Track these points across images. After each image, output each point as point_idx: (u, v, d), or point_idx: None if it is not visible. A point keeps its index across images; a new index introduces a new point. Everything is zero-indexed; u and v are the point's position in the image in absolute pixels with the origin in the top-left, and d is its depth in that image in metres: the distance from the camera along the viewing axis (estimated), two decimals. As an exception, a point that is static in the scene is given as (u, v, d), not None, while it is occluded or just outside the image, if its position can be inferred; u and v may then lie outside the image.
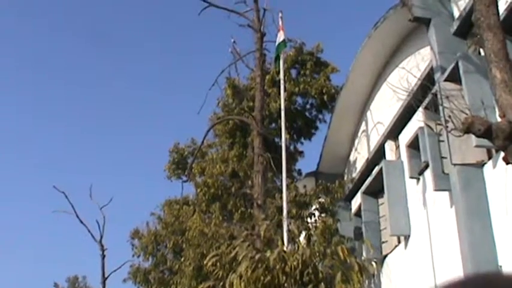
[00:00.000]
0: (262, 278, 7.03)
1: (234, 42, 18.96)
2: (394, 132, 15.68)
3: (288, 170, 15.41)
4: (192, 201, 21.68)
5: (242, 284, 7.02)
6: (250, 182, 17.51)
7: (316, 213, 17.07)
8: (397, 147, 15.69)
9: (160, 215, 24.58)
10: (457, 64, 11.47)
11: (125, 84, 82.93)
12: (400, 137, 15.26)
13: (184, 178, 21.86)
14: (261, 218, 8.40)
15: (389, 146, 16.13)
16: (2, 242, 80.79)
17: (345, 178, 18.66)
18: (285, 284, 7.31)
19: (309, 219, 16.86)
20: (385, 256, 15.39)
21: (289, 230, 12.61)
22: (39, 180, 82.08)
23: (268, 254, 7.21)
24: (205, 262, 8.27)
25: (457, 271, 10.62)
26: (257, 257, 7.12)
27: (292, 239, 13.30)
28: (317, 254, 7.60)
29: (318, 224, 16.46)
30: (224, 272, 7.72)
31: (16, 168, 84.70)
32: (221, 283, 7.68)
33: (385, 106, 16.01)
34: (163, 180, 23.88)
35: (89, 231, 31.10)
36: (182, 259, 20.01)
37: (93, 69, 70.53)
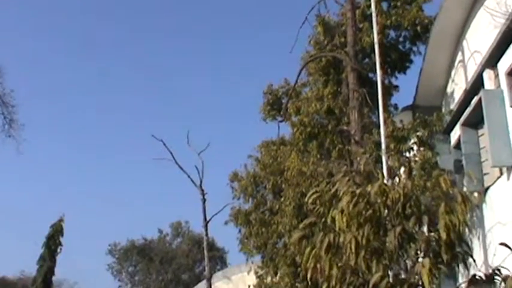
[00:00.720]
0: (363, 212, 7.12)
1: (322, -23, 18.69)
2: (492, 61, 15.12)
3: (384, 105, 15.26)
4: (289, 141, 21.86)
5: (344, 219, 7.13)
6: (346, 119, 17.47)
7: (415, 147, 16.87)
8: (496, 75, 15.16)
9: (257, 157, 24.92)
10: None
11: (219, 27, 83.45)
12: (499, 64, 14.71)
13: (280, 119, 22.05)
14: (359, 153, 8.45)
15: (487, 74, 15.60)
16: (112, 193, 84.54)
17: (443, 110, 18.25)
18: (387, 218, 7.37)
19: (407, 154, 16.71)
20: (487, 188, 15.10)
21: (388, 165, 12.60)
22: (138, 130, 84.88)
23: (368, 188, 7.27)
24: (306, 200, 8.43)
25: None
26: (358, 191, 7.19)
27: (392, 174, 13.29)
28: (418, 188, 7.57)
29: (417, 158, 16.29)
30: (325, 209, 7.84)
31: (116, 120, 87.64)
32: (322, 219, 7.82)
33: (482, 33, 15.44)
34: (258, 123, 24.12)
35: (189, 176, 32.18)
36: (282, 199, 20.35)
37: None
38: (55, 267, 33.59)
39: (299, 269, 15.83)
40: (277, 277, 21.20)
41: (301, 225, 8.01)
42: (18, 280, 49.10)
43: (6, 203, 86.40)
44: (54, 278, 34.31)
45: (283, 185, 20.10)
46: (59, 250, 33.54)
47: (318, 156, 18.31)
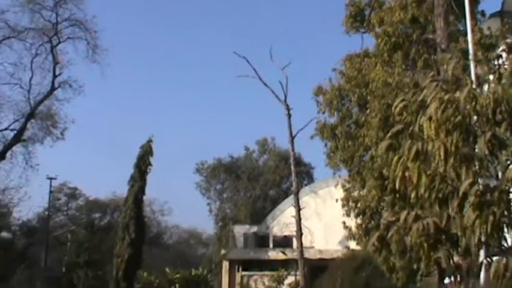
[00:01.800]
0: (452, 118, 6.99)
1: None
2: None
3: (471, 11, 14.69)
4: (373, 53, 21.47)
5: (432, 126, 7.04)
6: (431, 27, 16.97)
7: (504, 54, 16.26)
8: None
9: (342, 70, 24.63)
10: None
11: None
12: None
13: (363, 30, 21.63)
14: (446, 59, 8.21)
15: None
16: (197, 113, 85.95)
17: (534, 14, 17.41)
18: (476, 124, 7.23)
19: (496, 62, 16.15)
20: None
21: (476, 73, 12.21)
22: (220, 47, 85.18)
23: (457, 94, 7.11)
24: (392, 110, 8.35)
25: None
26: (446, 97, 7.05)
27: (480, 82, 12.89)
28: (508, 95, 7.35)
29: (506, 66, 15.71)
30: (412, 117, 7.75)
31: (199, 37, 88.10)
32: (410, 128, 7.74)
33: None
34: (341, 36, 23.71)
35: (273, 92, 32.22)
36: (367, 111, 20.21)
37: None
38: (145, 187, 34.84)
39: (386, 181, 15.82)
40: (365, 190, 21.30)
41: (388, 134, 7.96)
42: (111, 201, 51.14)
43: (96, 127, 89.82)
44: (144, 198, 35.65)
45: (369, 97, 19.92)
46: (148, 170, 34.62)
47: (403, 66, 17.97)
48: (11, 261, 36.03)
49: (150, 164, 34.76)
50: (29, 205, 66.86)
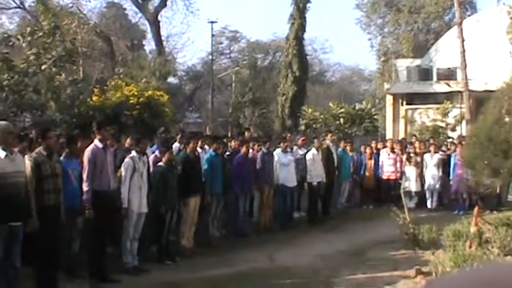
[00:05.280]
0: None
1: None
2: None
3: None
4: None
5: None
6: None
7: None
8: None
9: None
10: None
11: None
12: None
13: None
14: None
15: None
16: None
17: None
18: None
19: None
20: None
21: None
22: None
23: None
24: None
25: None
26: None
27: None
28: None
29: None
30: None
31: None
32: None
33: None
34: None
35: None
36: None
37: None
38: (305, 25, 34.88)
39: None
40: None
41: None
42: (272, 42, 51.88)
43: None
44: (305, 36, 35.79)
45: None
46: (307, 7, 34.48)
47: None
48: (180, 105, 38.32)
49: (308, 1, 34.58)
50: (193, 50, 69.60)
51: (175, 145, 12.38)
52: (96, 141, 9.11)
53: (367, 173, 17.84)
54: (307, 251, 11.36)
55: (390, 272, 9.51)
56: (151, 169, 10.36)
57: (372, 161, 17.85)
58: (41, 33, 17.03)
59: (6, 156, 7.33)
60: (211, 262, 10.47)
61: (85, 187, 8.90)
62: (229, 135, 22.57)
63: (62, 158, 9.04)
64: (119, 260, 9.74)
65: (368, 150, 18.16)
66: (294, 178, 14.42)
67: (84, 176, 8.91)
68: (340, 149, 16.65)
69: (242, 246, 11.83)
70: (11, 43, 17.21)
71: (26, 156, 8.11)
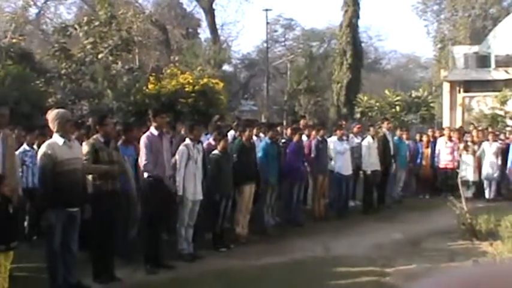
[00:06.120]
0: None
1: None
2: None
3: None
4: None
5: None
6: None
7: None
8: None
9: None
10: None
11: None
12: None
13: None
14: None
15: None
16: None
17: None
18: None
19: None
20: None
21: None
22: None
23: None
24: None
25: None
26: None
27: None
28: None
29: None
30: None
31: None
32: None
33: None
34: None
35: None
36: None
37: None
38: (359, 11, 34.46)
39: None
40: None
41: None
42: (327, 29, 51.54)
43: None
44: (359, 23, 35.41)
45: None
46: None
47: None
48: (235, 93, 38.44)
49: (362, -12, 34.25)
50: (248, 38, 69.71)
51: (231, 133, 12.42)
52: (152, 129, 9.19)
53: (423, 162, 17.55)
54: (362, 241, 11.24)
55: (446, 263, 9.32)
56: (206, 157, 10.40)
57: (429, 150, 17.55)
58: (97, 23, 17.31)
59: (64, 143, 7.49)
60: (265, 250, 10.48)
61: (143, 173, 9.02)
62: (284, 123, 22.51)
63: (118, 145, 9.16)
64: (174, 247, 9.83)
65: (425, 139, 17.87)
66: (349, 166, 14.28)
67: (142, 161, 9.01)
68: (396, 137, 16.40)
69: (296, 235, 11.79)
70: (68, 33, 17.53)
71: (83, 143, 8.26)
